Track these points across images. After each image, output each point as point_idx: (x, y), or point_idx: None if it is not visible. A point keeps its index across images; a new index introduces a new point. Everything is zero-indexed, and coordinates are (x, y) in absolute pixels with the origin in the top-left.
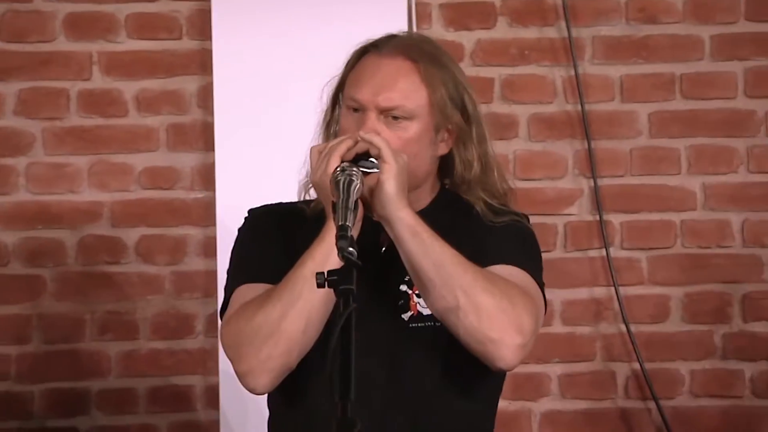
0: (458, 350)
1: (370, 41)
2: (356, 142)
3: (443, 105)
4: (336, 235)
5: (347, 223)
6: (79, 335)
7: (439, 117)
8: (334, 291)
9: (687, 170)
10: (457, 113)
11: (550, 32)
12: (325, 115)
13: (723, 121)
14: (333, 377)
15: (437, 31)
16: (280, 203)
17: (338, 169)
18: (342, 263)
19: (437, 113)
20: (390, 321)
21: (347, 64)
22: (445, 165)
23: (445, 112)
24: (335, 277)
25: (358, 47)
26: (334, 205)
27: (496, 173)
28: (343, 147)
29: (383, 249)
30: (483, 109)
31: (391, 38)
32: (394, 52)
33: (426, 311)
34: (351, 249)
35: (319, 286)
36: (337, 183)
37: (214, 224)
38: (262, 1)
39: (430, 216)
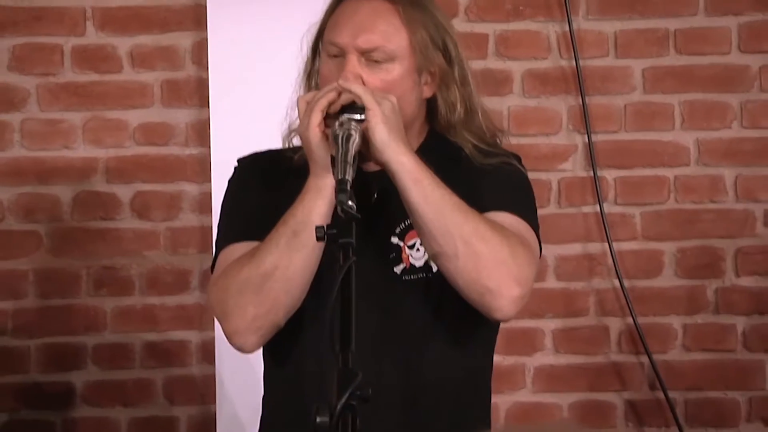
0: (452, 300)
1: None
2: (339, 94)
3: (424, 46)
4: (335, 189)
5: (346, 177)
6: (74, 290)
7: (420, 59)
8: (334, 244)
9: (680, 126)
10: (438, 55)
11: None
12: (306, 66)
13: (717, 77)
14: (333, 329)
15: None
16: (269, 150)
17: (337, 123)
18: (340, 215)
19: (419, 55)
20: (382, 274)
21: (326, 12)
22: (431, 109)
23: (426, 53)
24: (334, 231)
25: None
26: (333, 159)
27: (480, 115)
28: (324, 102)
29: (373, 200)
30: (478, 65)
31: None
32: None
33: (418, 263)
34: (350, 203)
35: (319, 239)
36: (335, 137)
37: (209, 180)
38: None
39: None
